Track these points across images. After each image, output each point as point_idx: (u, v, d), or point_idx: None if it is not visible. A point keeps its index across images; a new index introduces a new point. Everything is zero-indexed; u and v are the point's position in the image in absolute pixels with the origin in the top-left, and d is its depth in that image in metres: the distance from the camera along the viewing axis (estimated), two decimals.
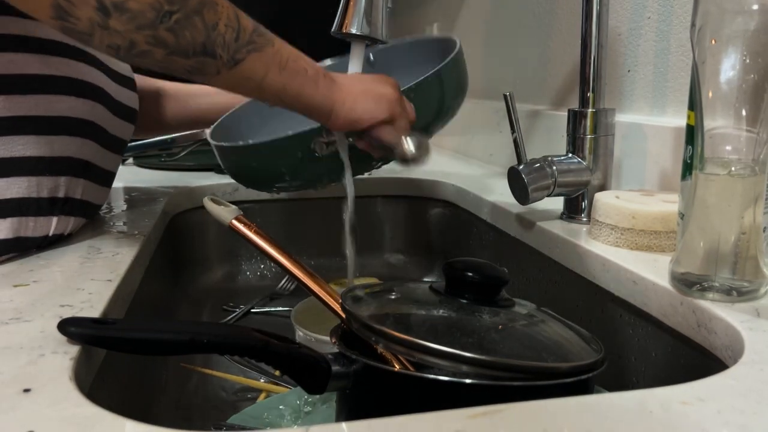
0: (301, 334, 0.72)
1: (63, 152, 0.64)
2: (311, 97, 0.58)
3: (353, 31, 0.69)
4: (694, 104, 0.49)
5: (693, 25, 0.48)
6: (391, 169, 1.17)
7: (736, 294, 0.49)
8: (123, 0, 0.47)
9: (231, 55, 0.53)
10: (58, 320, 0.43)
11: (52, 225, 0.64)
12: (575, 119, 0.73)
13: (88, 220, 0.72)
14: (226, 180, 1.05)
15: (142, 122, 0.83)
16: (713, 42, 0.47)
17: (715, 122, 0.48)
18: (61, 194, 0.64)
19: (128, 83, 0.77)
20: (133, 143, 1.06)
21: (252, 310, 0.95)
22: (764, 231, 0.49)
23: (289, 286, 1.01)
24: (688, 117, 0.50)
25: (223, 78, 0.54)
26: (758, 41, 0.46)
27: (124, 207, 0.88)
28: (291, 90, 0.57)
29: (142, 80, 0.88)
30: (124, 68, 0.75)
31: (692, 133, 0.50)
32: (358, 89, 0.61)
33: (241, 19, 0.53)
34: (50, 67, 0.62)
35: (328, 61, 0.96)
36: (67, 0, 0.46)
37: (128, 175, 1.10)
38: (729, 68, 0.47)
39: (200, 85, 0.91)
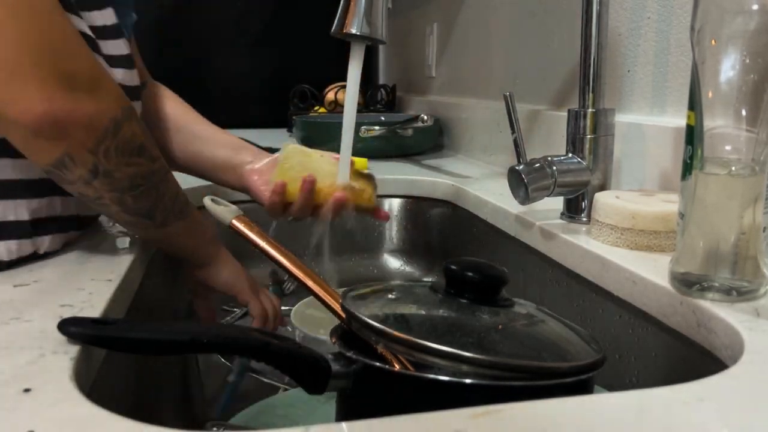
0: (301, 334, 0.72)
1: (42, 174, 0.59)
2: (197, 252, 0.70)
3: (353, 31, 0.69)
4: (694, 104, 0.49)
5: (692, 26, 0.48)
6: (391, 169, 1.17)
7: (735, 294, 0.49)
8: (112, 170, 0.55)
9: (163, 220, 0.62)
10: (58, 320, 0.43)
11: (45, 244, 0.62)
12: (575, 119, 0.73)
13: (82, 231, 0.70)
14: None
15: None
16: (713, 42, 0.47)
17: (715, 122, 0.48)
18: (43, 215, 0.62)
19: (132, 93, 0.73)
20: None
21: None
22: (764, 231, 0.49)
23: (289, 286, 1.01)
24: (688, 117, 0.50)
25: (146, 234, 0.66)
26: (758, 41, 0.46)
27: None
28: (189, 249, 0.69)
29: (156, 99, 0.86)
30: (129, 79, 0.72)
31: (692, 133, 0.50)
32: (231, 266, 0.73)
33: (179, 194, 0.63)
34: None
35: None
36: (71, 159, 0.52)
37: None
38: (729, 68, 0.47)
39: (209, 128, 0.87)
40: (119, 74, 0.68)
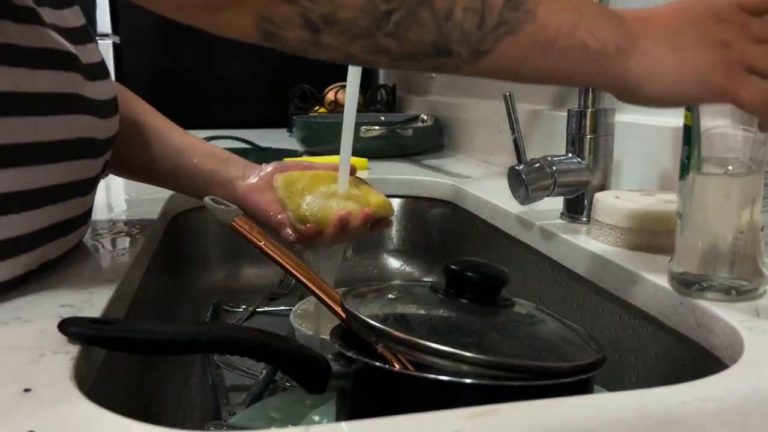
0: (301, 334, 0.72)
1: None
2: (592, 79, 0.47)
3: None
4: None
5: None
6: (391, 169, 1.17)
7: (735, 293, 0.49)
8: (332, 11, 0.39)
9: (472, 48, 0.41)
10: (58, 320, 0.43)
11: (33, 260, 0.54)
12: (575, 119, 0.73)
13: (78, 232, 0.62)
14: None
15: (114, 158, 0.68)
16: None
17: (712, 122, 0.48)
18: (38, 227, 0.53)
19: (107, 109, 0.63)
20: None
21: (252, 310, 0.95)
22: (762, 230, 0.49)
23: (289, 283, 1.01)
24: (685, 117, 0.50)
25: (465, 72, 0.43)
26: None
27: (124, 207, 0.88)
28: (561, 73, 0.44)
29: (128, 109, 0.73)
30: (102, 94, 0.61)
31: (689, 134, 0.50)
32: (671, 61, 0.44)
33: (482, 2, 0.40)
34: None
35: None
36: (273, 24, 0.40)
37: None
38: None
39: (188, 138, 0.77)
40: (92, 89, 0.58)
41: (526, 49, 0.41)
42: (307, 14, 0.39)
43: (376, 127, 1.27)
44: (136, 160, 0.76)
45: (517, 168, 0.72)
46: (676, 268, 0.51)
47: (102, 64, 0.63)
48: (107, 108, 0.62)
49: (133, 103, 0.77)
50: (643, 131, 0.76)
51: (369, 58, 0.42)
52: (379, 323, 0.43)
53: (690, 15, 0.45)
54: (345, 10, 0.39)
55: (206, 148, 0.77)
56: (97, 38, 0.64)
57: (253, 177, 0.73)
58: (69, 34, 0.57)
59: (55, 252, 0.58)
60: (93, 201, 0.64)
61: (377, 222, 0.70)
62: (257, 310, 0.95)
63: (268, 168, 0.74)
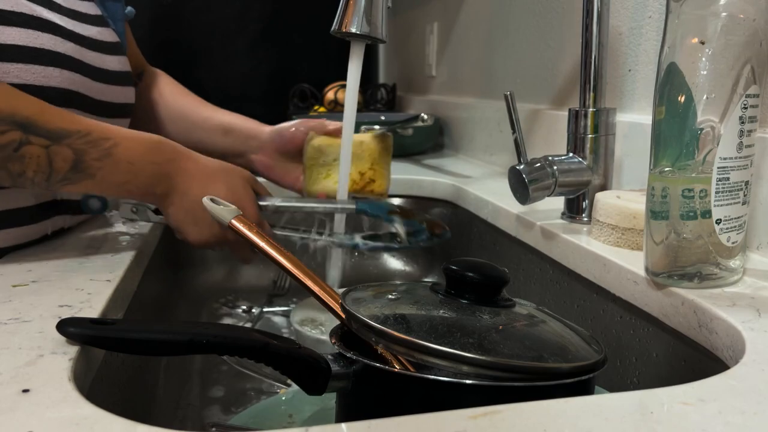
0: (301, 334, 0.72)
1: None
2: (143, 198, 0.65)
3: (353, 30, 0.69)
4: (654, 103, 0.51)
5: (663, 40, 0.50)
6: (391, 169, 1.17)
7: (697, 280, 0.51)
8: None
9: (44, 188, 0.59)
10: (57, 320, 0.43)
11: (49, 227, 0.66)
12: (576, 119, 0.73)
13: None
14: None
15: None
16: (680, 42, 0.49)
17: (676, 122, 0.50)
18: (50, 198, 0.66)
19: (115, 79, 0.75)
20: None
21: (252, 310, 0.95)
22: (718, 223, 0.50)
23: (284, 284, 1.01)
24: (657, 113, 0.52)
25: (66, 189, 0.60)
26: (720, 42, 0.47)
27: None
28: (118, 194, 0.63)
29: (150, 86, 0.89)
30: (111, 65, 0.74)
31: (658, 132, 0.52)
32: (186, 217, 0.66)
33: (54, 164, 0.58)
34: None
35: None
36: None
37: None
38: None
39: (207, 112, 0.90)
40: (93, 56, 0.70)
41: (86, 189, 0.61)
42: None
43: (376, 127, 1.27)
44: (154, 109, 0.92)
45: (517, 168, 0.72)
46: (646, 262, 0.53)
47: (116, 45, 0.73)
48: (114, 77, 0.73)
49: (158, 80, 0.91)
50: (645, 131, 0.75)
51: None
52: (379, 324, 0.43)
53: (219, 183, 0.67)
54: None
55: (224, 121, 0.89)
56: None
57: (272, 152, 0.87)
58: (65, 11, 0.67)
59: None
60: None
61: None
62: (257, 309, 0.95)
63: (272, 137, 0.87)
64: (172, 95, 0.91)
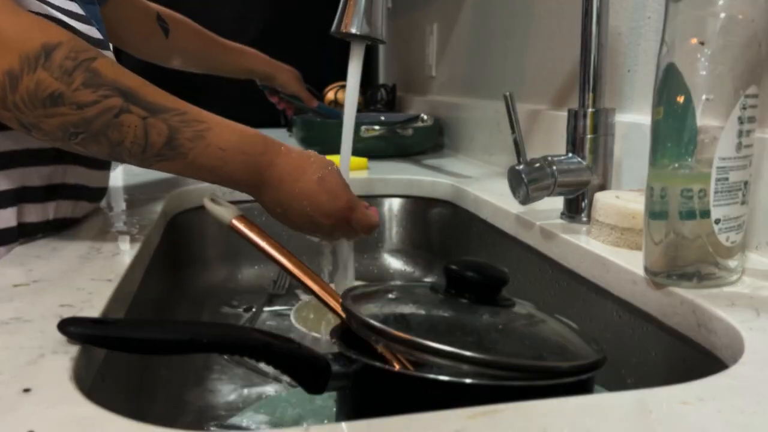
0: (301, 334, 0.72)
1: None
2: (240, 188, 0.65)
3: (353, 30, 0.69)
4: (653, 103, 0.51)
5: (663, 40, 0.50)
6: (391, 169, 1.17)
7: (696, 280, 0.51)
8: (37, 122, 0.55)
9: (139, 162, 0.60)
10: (58, 320, 0.43)
11: (51, 210, 0.67)
12: (575, 119, 0.73)
13: (91, 203, 0.75)
14: None
15: (162, 51, 1.11)
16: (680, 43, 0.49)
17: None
18: (56, 181, 0.67)
19: None
20: None
21: (252, 310, 0.95)
22: (717, 223, 0.50)
23: (284, 284, 1.01)
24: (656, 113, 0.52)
25: (144, 166, 0.61)
26: (719, 43, 0.48)
27: (124, 207, 0.88)
28: (217, 180, 0.63)
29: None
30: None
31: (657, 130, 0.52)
32: (295, 209, 0.65)
33: (150, 137, 0.58)
34: None
35: None
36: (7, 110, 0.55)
37: (128, 175, 1.10)
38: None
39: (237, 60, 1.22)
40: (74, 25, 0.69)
41: (178, 169, 0.61)
42: (20, 119, 0.55)
43: (376, 127, 1.27)
44: (196, 54, 1.18)
45: (517, 168, 0.72)
46: (645, 262, 0.54)
47: (103, 42, 0.73)
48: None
49: (181, 30, 1.14)
50: (644, 131, 0.76)
51: (68, 148, 0.59)
52: (379, 323, 0.43)
53: (316, 195, 0.64)
54: (46, 124, 0.55)
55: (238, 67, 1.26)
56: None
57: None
58: (64, 12, 0.67)
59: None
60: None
61: None
62: (254, 310, 0.95)
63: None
64: (202, 48, 1.16)
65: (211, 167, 0.61)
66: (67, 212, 0.70)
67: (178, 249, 1.00)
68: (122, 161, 0.60)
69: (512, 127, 0.73)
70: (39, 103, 0.53)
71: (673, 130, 0.50)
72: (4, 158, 0.63)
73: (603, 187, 0.73)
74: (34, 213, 0.66)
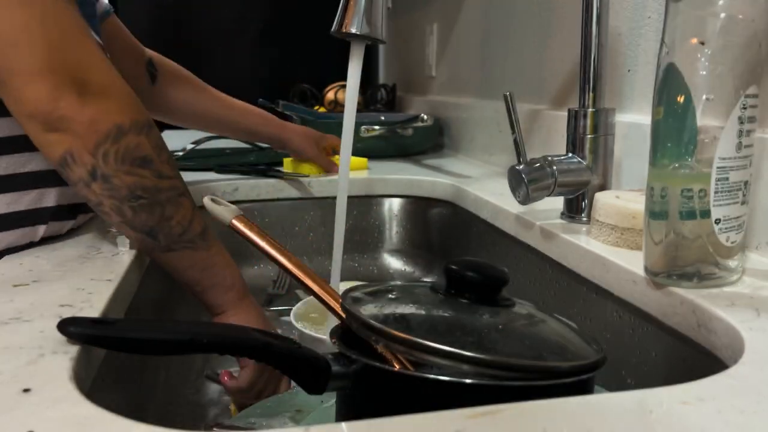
0: (301, 334, 0.72)
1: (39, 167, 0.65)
2: (207, 294, 0.65)
3: (353, 30, 0.69)
4: (653, 103, 0.51)
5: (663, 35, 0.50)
6: (391, 169, 1.17)
7: (696, 280, 0.51)
8: (110, 174, 0.56)
9: (168, 244, 0.61)
10: (57, 320, 0.43)
11: (40, 232, 0.66)
12: (575, 119, 0.73)
13: (78, 218, 0.72)
14: (226, 180, 1.05)
15: (159, 102, 1.00)
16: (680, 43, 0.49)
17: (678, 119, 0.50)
18: (42, 204, 0.66)
19: None
20: None
21: None
22: (717, 223, 0.50)
23: (284, 283, 1.01)
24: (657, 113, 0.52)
25: (152, 256, 0.64)
26: (719, 43, 0.47)
27: None
28: (200, 287, 0.65)
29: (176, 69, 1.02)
30: None
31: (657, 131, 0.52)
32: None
33: (194, 223, 0.62)
34: None
35: None
36: (72, 157, 0.56)
37: None
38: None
39: (239, 119, 1.07)
40: None
41: (194, 261, 0.63)
42: (96, 167, 0.56)
43: (376, 127, 1.27)
44: (186, 107, 1.03)
45: (517, 168, 0.72)
46: (645, 261, 0.53)
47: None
48: None
49: (178, 86, 1.03)
50: (644, 131, 0.76)
51: (109, 212, 0.59)
52: (379, 323, 0.43)
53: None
54: (119, 179, 0.57)
55: (245, 107, 1.09)
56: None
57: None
58: None
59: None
60: None
61: None
62: None
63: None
64: (196, 101, 1.04)
65: (221, 266, 0.65)
66: (55, 231, 0.69)
67: None
68: (153, 237, 0.61)
69: (512, 127, 0.73)
70: (128, 161, 0.57)
71: (674, 130, 0.49)
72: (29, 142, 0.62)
73: (603, 187, 0.73)
74: (20, 236, 0.65)
